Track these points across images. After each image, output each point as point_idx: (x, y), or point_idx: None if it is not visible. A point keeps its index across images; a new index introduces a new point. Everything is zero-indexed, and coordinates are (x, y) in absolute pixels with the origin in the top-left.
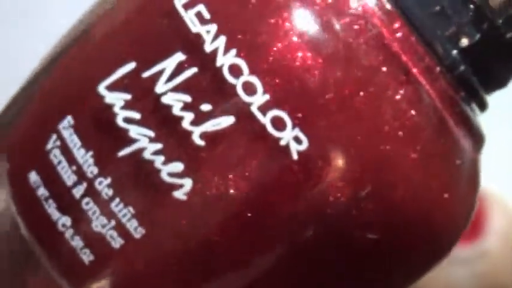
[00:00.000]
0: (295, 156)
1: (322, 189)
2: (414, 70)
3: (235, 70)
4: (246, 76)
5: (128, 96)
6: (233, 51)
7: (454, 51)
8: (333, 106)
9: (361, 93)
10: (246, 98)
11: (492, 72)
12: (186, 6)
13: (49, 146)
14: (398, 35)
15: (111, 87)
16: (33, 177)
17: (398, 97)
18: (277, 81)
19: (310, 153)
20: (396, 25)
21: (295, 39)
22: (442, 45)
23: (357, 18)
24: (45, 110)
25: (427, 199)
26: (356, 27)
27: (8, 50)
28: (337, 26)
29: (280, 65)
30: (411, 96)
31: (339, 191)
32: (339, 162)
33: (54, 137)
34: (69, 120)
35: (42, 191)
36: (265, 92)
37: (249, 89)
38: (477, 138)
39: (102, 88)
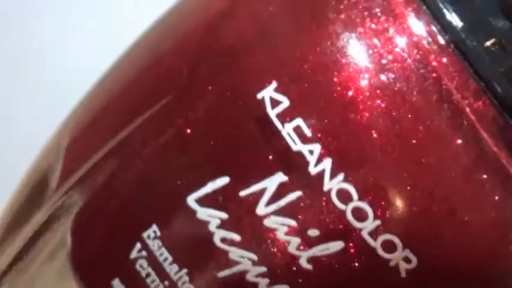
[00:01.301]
0: (403, 275)
1: None
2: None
3: (344, 195)
4: (356, 202)
5: (225, 216)
6: (341, 176)
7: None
8: (441, 227)
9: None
10: (356, 224)
11: None
12: (282, 118)
13: (133, 255)
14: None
15: (203, 202)
16: (118, 285)
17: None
18: (387, 206)
19: (419, 270)
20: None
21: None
22: (499, 83)
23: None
24: (126, 214)
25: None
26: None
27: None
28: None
29: (389, 191)
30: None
31: None
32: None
33: (139, 245)
34: (154, 230)
35: None
36: (376, 217)
37: (359, 214)
38: None
39: (191, 201)
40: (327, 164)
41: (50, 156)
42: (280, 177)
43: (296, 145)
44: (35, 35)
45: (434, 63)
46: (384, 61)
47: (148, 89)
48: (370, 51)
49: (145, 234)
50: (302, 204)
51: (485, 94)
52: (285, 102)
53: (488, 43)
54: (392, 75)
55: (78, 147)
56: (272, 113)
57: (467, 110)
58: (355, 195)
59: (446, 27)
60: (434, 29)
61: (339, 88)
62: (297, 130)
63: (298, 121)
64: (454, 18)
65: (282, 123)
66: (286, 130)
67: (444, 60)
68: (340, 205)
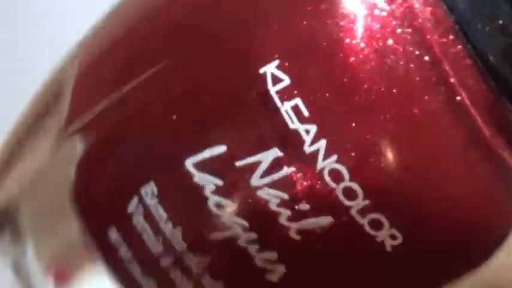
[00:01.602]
0: (388, 249)
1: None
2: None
3: (335, 175)
4: (347, 182)
5: (220, 182)
6: (334, 157)
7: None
8: (429, 208)
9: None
10: (345, 202)
11: None
12: (282, 96)
13: (131, 209)
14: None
15: (200, 167)
16: (114, 235)
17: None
18: (377, 188)
19: (403, 247)
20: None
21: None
22: (499, 65)
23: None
24: (126, 167)
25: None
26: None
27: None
28: None
29: (380, 174)
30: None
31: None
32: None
33: (136, 200)
34: (152, 188)
35: (124, 252)
36: (365, 197)
37: (349, 194)
38: None
39: (189, 164)
40: (322, 144)
41: (63, 72)
42: (275, 152)
43: (293, 124)
44: None
45: (435, 44)
46: (387, 42)
47: (161, 45)
48: (374, 33)
49: (143, 191)
50: (294, 179)
51: (483, 75)
52: (286, 81)
53: (490, 26)
54: (393, 57)
55: (85, 86)
56: (273, 90)
57: (462, 89)
58: (346, 176)
59: (450, 8)
60: (438, 10)
61: (339, 72)
62: (295, 109)
63: (297, 101)
64: (459, 0)
65: (282, 101)
66: (285, 108)
67: (444, 40)
68: (331, 184)
